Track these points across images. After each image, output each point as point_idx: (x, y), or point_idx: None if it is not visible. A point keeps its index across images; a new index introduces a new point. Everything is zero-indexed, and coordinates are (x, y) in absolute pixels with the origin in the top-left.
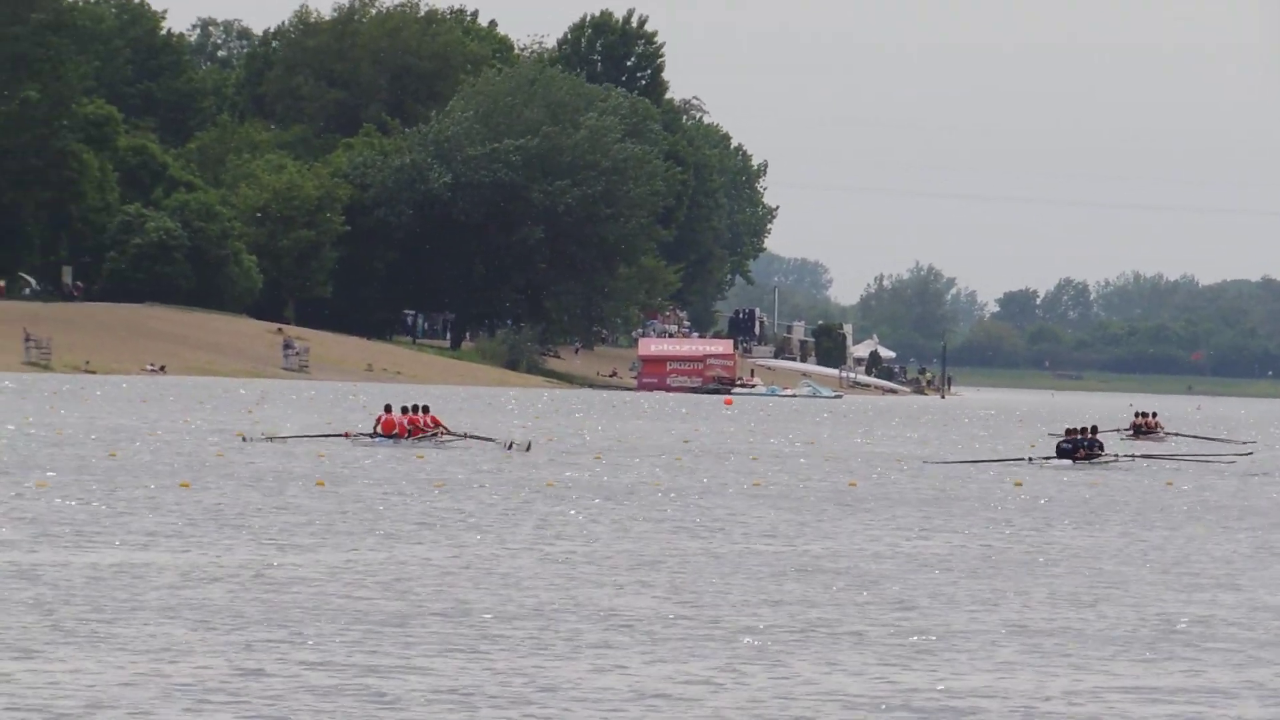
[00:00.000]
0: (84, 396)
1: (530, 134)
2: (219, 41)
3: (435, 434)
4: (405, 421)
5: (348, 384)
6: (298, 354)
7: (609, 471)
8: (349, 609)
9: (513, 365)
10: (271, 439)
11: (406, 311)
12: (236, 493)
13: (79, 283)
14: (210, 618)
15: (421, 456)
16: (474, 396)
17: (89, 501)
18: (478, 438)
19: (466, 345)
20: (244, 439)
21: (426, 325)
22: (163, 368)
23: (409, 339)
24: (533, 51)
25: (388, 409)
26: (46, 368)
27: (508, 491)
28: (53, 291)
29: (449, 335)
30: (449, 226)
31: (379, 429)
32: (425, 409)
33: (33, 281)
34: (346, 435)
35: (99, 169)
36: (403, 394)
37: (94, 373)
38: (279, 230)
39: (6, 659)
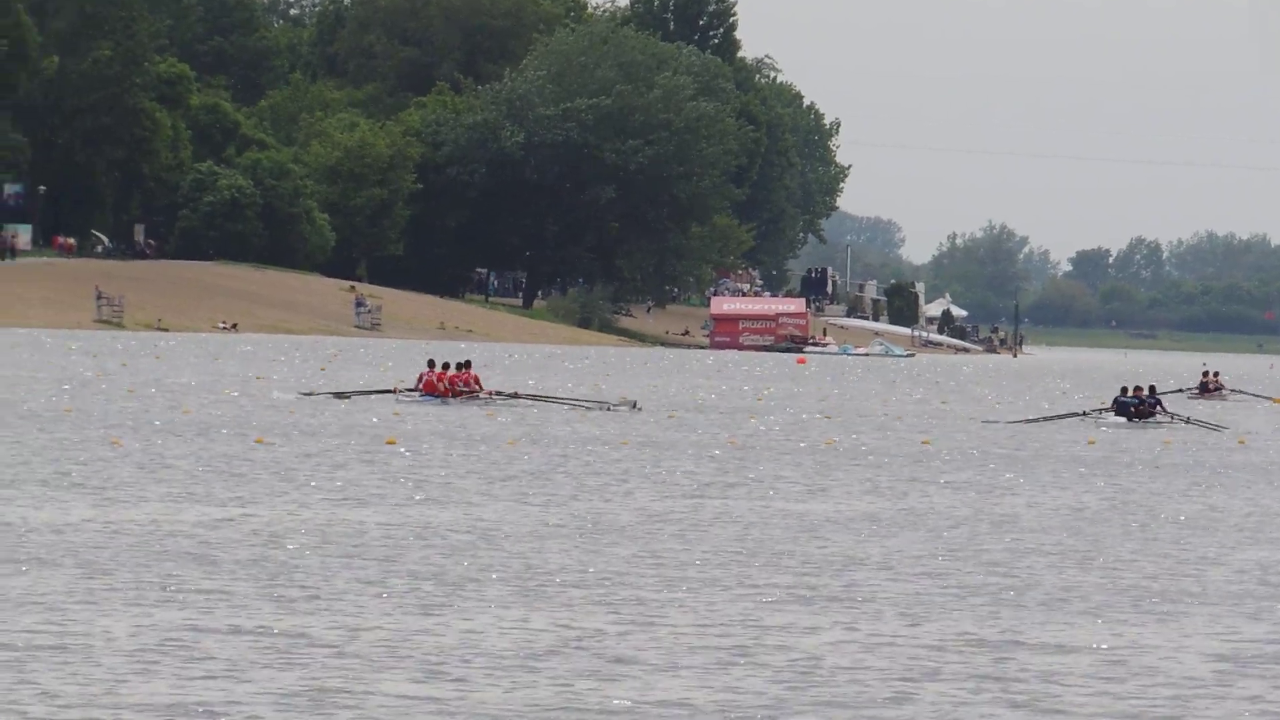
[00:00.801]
0: (156, 353)
1: (603, 93)
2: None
3: (475, 394)
4: (449, 381)
5: (419, 342)
6: (370, 312)
7: (687, 429)
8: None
9: (585, 324)
10: (335, 395)
11: (478, 270)
12: (303, 448)
13: (151, 240)
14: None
15: (491, 414)
16: (550, 355)
17: (161, 456)
18: (530, 397)
19: (538, 304)
20: (309, 395)
21: (498, 284)
22: (234, 325)
23: (481, 297)
24: (605, 10)
25: (430, 365)
26: (119, 325)
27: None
28: (125, 249)
29: (521, 294)
30: (521, 185)
31: (421, 388)
32: (467, 365)
33: (105, 239)
34: (395, 391)
35: (171, 127)
36: (474, 353)
37: (166, 330)
38: (351, 188)
39: (70, 611)
